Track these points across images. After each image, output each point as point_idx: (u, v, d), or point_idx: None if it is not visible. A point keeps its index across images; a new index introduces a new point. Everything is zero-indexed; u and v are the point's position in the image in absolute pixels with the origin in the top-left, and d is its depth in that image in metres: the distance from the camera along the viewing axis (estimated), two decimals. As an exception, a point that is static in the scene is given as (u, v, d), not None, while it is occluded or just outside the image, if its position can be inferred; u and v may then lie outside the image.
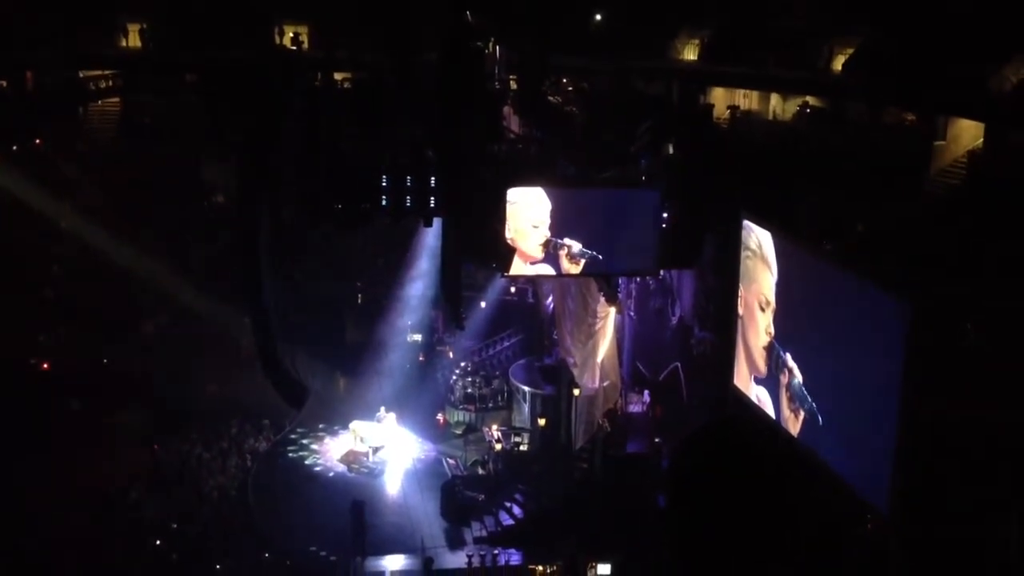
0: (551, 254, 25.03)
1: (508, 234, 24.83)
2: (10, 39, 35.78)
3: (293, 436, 35.06)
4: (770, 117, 41.85)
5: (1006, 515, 17.76)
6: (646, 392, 31.98)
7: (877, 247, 25.96)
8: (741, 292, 23.86)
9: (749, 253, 23.22)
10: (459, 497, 29.85)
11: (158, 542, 28.22)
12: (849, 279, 19.83)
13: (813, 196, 27.44)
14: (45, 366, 36.14)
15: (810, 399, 20.95)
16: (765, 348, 22.76)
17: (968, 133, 33.03)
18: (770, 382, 22.71)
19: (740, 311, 23.94)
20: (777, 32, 39.06)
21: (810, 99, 39.85)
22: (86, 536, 27.85)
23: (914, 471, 17.60)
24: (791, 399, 21.68)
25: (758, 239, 22.81)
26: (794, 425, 21.44)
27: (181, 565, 27.33)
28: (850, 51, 37.45)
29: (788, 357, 21.67)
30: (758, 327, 22.99)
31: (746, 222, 23.28)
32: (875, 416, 18.29)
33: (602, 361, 29.96)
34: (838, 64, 38.24)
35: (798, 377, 21.39)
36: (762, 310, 22.70)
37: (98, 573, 26.56)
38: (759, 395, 23.23)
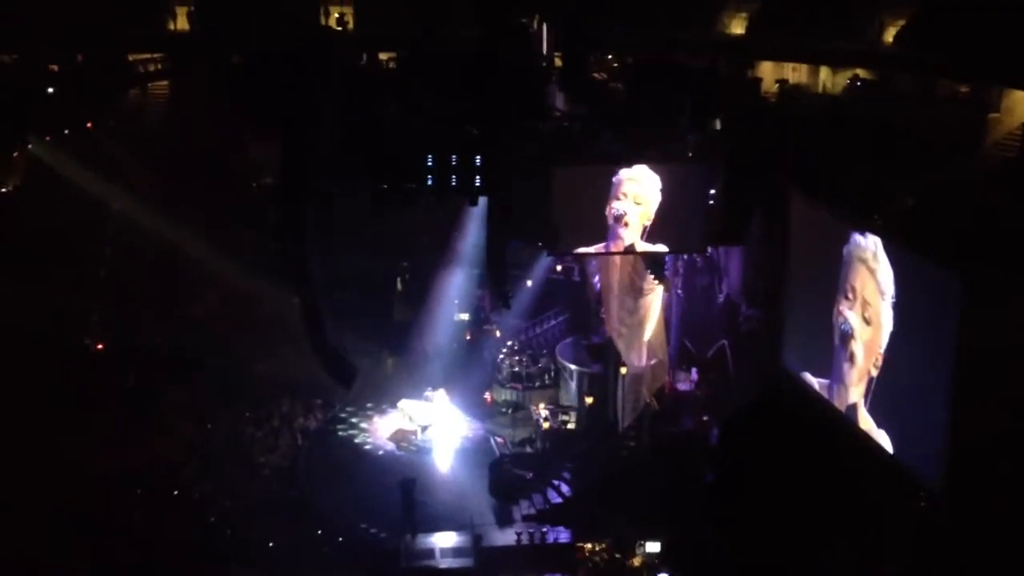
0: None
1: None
2: (62, 23, 36.15)
3: (343, 415, 35.39)
4: (820, 91, 41.17)
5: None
6: (694, 370, 31.82)
7: (930, 221, 25.49)
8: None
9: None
10: (507, 475, 29.99)
11: (212, 518, 28.67)
12: (901, 253, 19.48)
13: (864, 170, 27.00)
14: (99, 347, 36.67)
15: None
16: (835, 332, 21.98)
17: (1023, 105, 32.30)
18: (829, 360, 22.17)
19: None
20: (826, 4, 38.37)
21: (860, 72, 39.17)
22: (140, 511, 28.40)
23: (966, 448, 17.35)
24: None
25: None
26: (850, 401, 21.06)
27: (235, 541, 27.73)
28: (901, 22, 36.75)
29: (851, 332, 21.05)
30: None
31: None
32: (928, 393, 18.02)
33: (649, 339, 29.86)
34: (889, 36, 37.53)
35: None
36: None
37: (153, 548, 27.01)
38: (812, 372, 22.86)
